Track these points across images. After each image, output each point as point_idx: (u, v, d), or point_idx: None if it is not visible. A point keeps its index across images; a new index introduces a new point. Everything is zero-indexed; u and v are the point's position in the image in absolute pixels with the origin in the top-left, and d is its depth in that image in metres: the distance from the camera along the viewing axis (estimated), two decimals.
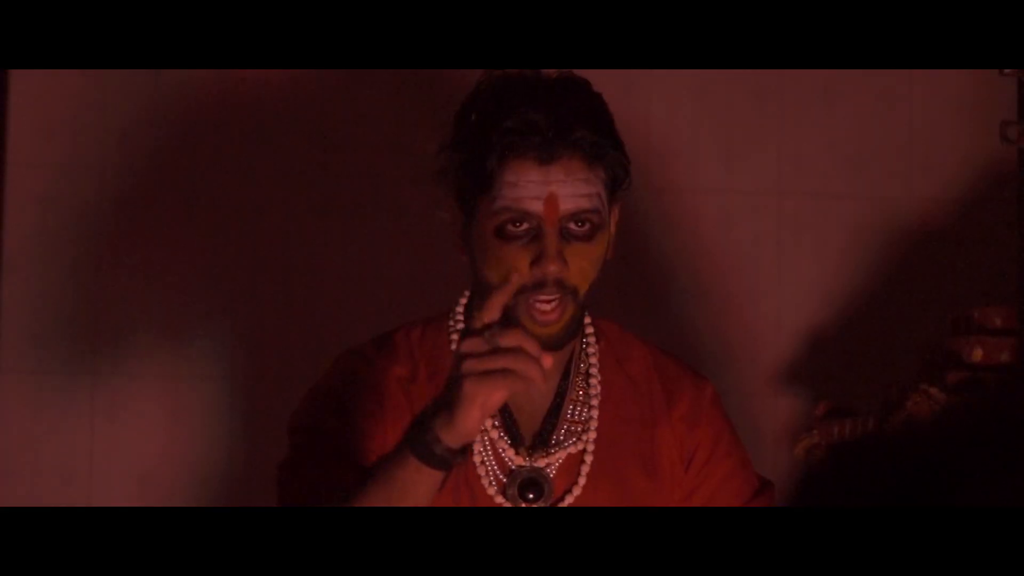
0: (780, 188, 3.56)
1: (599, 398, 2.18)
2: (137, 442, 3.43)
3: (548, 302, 2.05)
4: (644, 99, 3.52)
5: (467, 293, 2.21)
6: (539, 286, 2.05)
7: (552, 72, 2.11)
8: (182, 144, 3.47)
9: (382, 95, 3.48)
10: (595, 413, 2.17)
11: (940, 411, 3.06)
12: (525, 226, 2.05)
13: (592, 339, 2.21)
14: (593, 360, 2.19)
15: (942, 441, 3.13)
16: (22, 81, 3.45)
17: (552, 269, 2.04)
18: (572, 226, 2.05)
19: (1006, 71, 3.20)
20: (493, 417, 2.14)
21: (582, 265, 2.07)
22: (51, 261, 3.44)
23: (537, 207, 2.04)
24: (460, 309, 2.20)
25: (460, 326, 2.19)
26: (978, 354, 3.13)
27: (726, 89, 3.55)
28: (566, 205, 2.04)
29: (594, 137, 2.06)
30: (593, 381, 2.18)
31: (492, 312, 1.91)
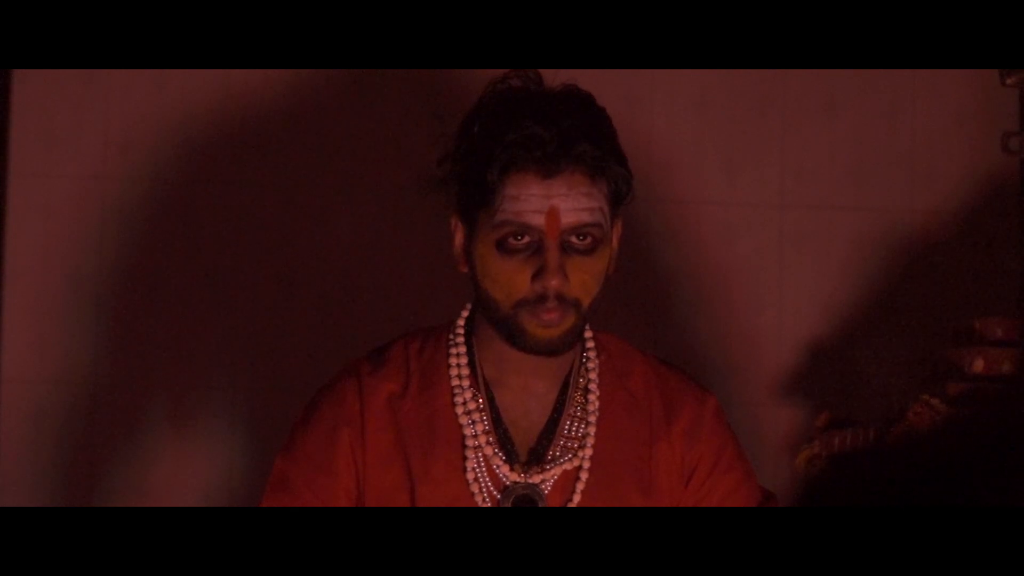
0: (782, 200, 3.56)
1: (597, 414, 2.16)
2: (139, 451, 3.43)
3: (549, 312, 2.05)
4: (646, 111, 3.52)
5: (468, 306, 2.20)
6: (540, 300, 2.05)
7: (556, 85, 2.11)
8: (184, 153, 3.47)
9: (384, 103, 3.48)
10: (592, 429, 2.15)
11: (941, 422, 3.06)
12: (526, 240, 2.05)
13: (592, 353, 2.19)
14: (592, 375, 2.18)
15: (943, 451, 3.14)
16: (24, 91, 3.46)
17: (553, 283, 2.03)
18: (573, 240, 2.05)
19: (1008, 82, 3.20)
20: (487, 432, 2.13)
21: (583, 279, 2.06)
22: (53, 270, 3.44)
23: (538, 221, 2.03)
24: (461, 323, 2.19)
25: (460, 339, 2.18)
26: (979, 365, 3.12)
27: (728, 101, 3.55)
28: (568, 219, 2.04)
29: (597, 151, 2.05)
30: (591, 396, 2.16)
31: None
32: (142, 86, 3.46)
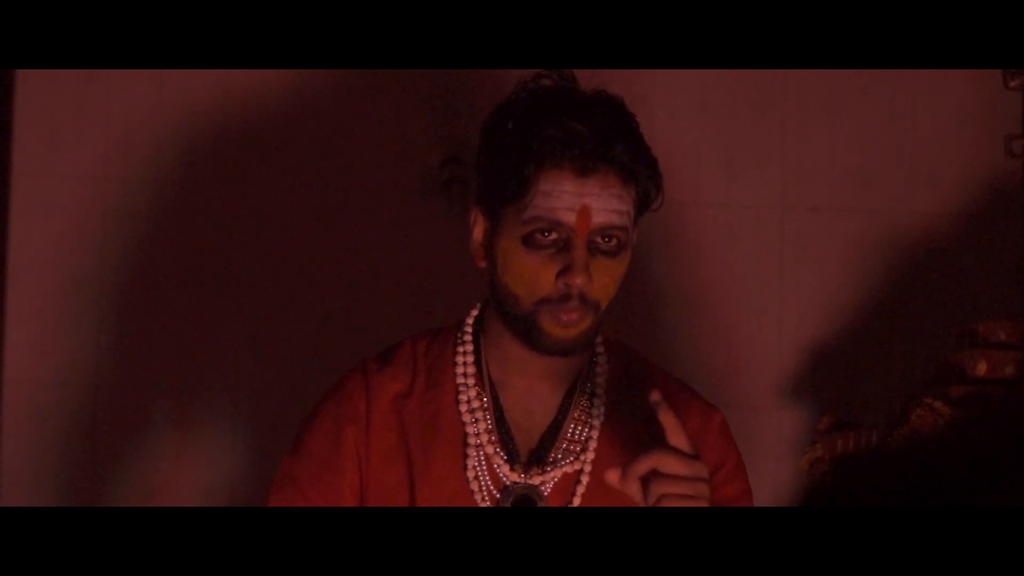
0: (783, 202, 3.56)
1: (601, 418, 2.16)
2: (141, 453, 3.42)
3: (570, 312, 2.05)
4: (647, 112, 3.49)
5: (478, 305, 2.20)
6: (563, 299, 2.05)
7: (588, 88, 2.10)
8: (185, 153, 3.47)
9: (384, 105, 3.48)
10: (595, 434, 2.15)
11: (944, 425, 3.06)
12: (554, 236, 2.04)
13: (602, 359, 2.19)
14: (600, 380, 2.18)
15: (945, 454, 3.13)
16: (26, 91, 3.46)
17: (579, 282, 2.03)
18: (599, 240, 2.05)
19: (1011, 84, 3.20)
20: (490, 431, 2.13)
21: (604, 281, 2.06)
22: (55, 271, 3.44)
23: (569, 218, 2.03)
24: (470, 321, 2.19)
25: (468, 338, 2.18)
26: (982, 368, 3.12)
27: (729, 102, 3.55)
28: (598, 219, 2.04)
29: (631, 155, 2.05)
30: (597, 401, 2.16)
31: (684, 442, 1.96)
32: (143, 86, 3.46)
